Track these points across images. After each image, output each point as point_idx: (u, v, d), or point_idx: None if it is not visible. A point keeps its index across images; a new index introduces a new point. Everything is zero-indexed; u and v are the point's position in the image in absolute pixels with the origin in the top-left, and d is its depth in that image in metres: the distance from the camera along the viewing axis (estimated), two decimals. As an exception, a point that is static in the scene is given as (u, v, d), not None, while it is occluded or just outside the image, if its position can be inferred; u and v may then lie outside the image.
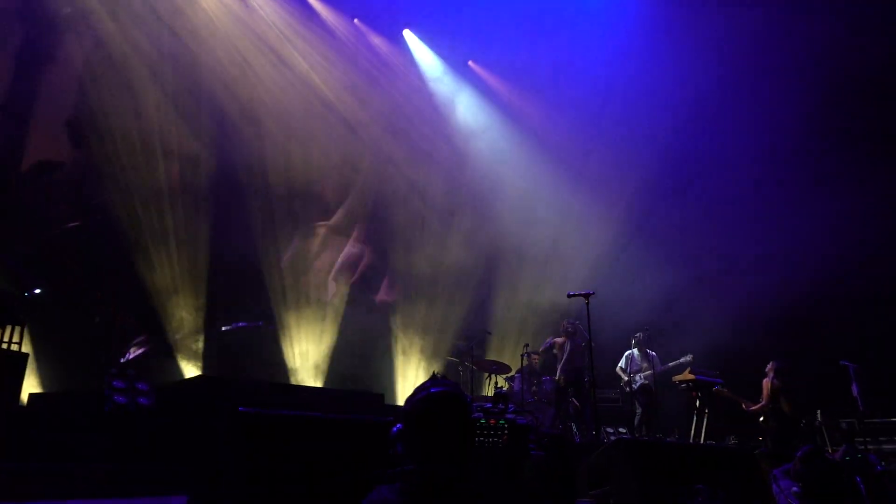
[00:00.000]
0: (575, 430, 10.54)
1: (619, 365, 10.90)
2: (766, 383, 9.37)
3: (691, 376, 10.53)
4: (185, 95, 10.84)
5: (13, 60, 9.55)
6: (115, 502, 4.37)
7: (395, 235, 13.91)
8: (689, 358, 10.44)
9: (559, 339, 10.77)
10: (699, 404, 10.61)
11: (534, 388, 11.01)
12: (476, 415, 1.70)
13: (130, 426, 5.99)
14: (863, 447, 9.52)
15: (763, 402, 9.24)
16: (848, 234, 11.77)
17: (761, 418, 9.56)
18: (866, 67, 11.30)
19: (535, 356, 11.36)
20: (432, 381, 1.96)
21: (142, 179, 10.15)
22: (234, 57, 11.63)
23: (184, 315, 10.29)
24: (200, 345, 10.42)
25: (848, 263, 11.87)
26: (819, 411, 10.78)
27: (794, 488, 3.45)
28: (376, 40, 13.86)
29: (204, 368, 10.22)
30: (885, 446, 9.94)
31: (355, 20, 13.55)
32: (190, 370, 10.13)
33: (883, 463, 5.24)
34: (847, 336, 11.55)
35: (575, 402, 10.68)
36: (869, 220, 11.72)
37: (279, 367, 11.29)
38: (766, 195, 12.43)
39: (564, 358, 10.57)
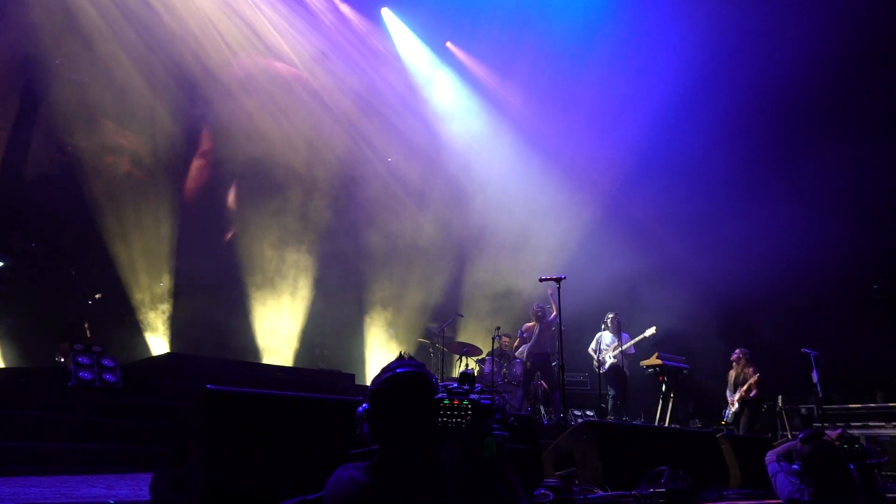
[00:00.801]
0: (543, 412, 10.67)
1: (591, 346, 11.03)
2: (755, 375, 9.62)
3: (658, 361, 10.71)
4: (151, 61, 10.54)
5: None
6: (80, 479, 4.31)
7: (367, 214, 13.84)
8: (653, 330, 10.55)
9: (530, 324, 10.91)
10: (665, 388, 10.82)
11: (504, 370, 11.11)
12: (440, 395, 1.71)
13: (96, 403, 5.91)
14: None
15: (756, 394, 9.52)
16: (808, 224, 12.05)
17: (735, 406, 9.82)
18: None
19: (506, 339, 11.45)
20: (398, 361, 1.95)
21: (102, 147, 9.89)
22: (206, 27, 11.37)
23: (151, 290, 10.13)
24: (168, 321, 10.27)
25: (809, 252, 12.14)
26: (780, 397, 11.09)
27: (795, 466, 3.68)
28: (354, 17, 13.66)
29: (172, 346, 10.10)
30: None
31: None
32: (158, 347, 10.01)
33: (879, 450, 5.27)
34: (809, 323, 11.85)
35: (543, 384, 10.81)
36: (830, 208, 12.00)
37: (249, 345, 11.21)
38: (729, 186, 12.60)
39: (532, 341, 10.69)
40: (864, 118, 11.79)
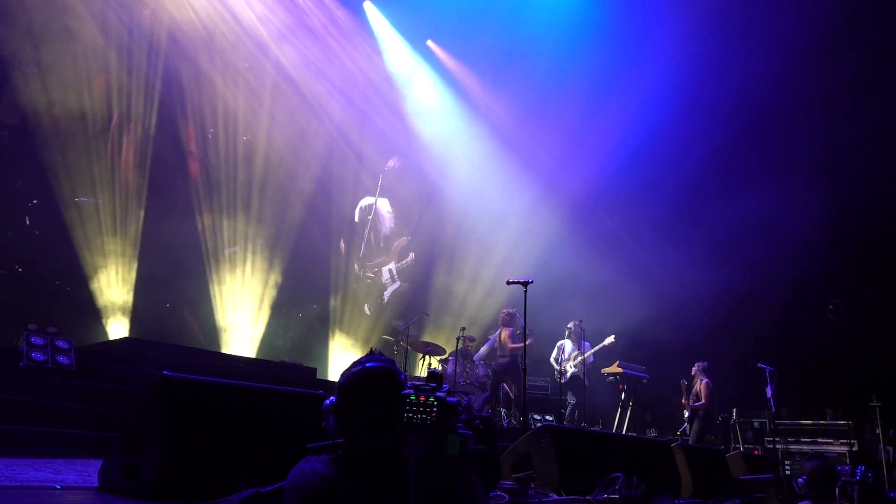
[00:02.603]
0: (504, 415, 10.72)
1: (552, 356, 11.10)
2: (705, 384, 9.80)
3: (619, 369, 10.86)
4: (130, 48, 10.31)
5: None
6: (26, 463, 4.19)
7: (342, 209, 13.77)
8: (612, 339, 10.68)
9: (499, 330, 10.88)
10: (624, 397, 10.97)
11: (467, 371, 11.13)
12: (406, 391, 1.71)
13: (47, 385, 5.75)
14: (771, 447, 10.09)
15: (704, 402, 9.70)
16: (769, 239, 12.39)
17: (686, 414, 10.02)
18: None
19: (470, 342, 11.46)
20: (369, 356, 1.97)
21: (76, 125, 9.61)
22: (188, 14, 11.16)
23: (112, 272, 9.89)
24: (129, 305, 10.04)
25: (769, 268, 12.47)
26: (735, 410, 11.33)
27: (801, 480, 4.49)
28: (336, 10, 13.54)
29: (131, 330, 9.88)
30: (792, 447, 10.53)
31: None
32: (116, 331, 9.78)
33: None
34: (764, 339, 12.15)
35: (507, 388, 10.85)
36: (789, 226, 12.33)
37: (211, 334, 11.04)
38: (694, 198, 12.82)
39: (501, 345, 10.68)
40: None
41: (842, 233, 12.16)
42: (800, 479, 4.47)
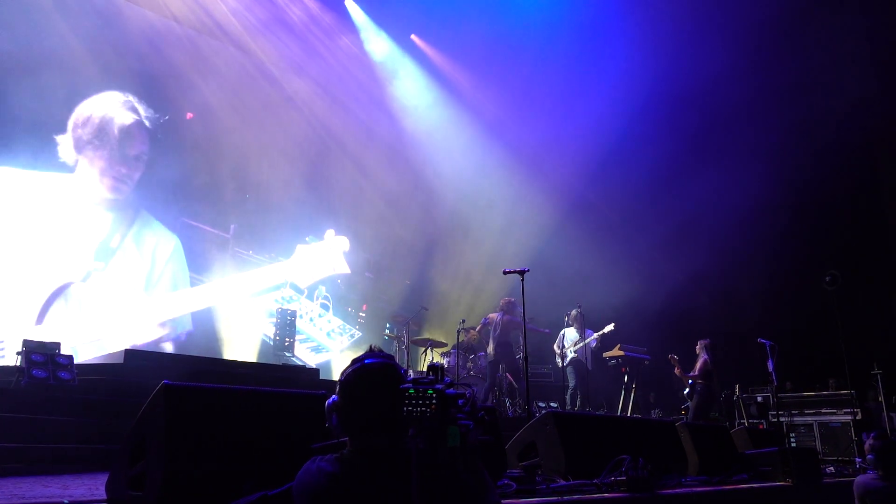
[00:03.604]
0: (508, 404, 10.75)
1: (555, 344, 11.15)
2: (702, 361, 9.84)
3: (621, 352, 10.90)
4: (105, 49, 10.20)
5: None
6: (33, 480, 4.19)
7: (333, 207, 13.73)
8: (611, 327, 10.73)
9: (494, 315, 10.90)
10: (627, 379, 11.01)
11: (469, 363, 11.15)
12: (404, 385, 1.72)
13: (51, 402, 5.73)
14: (775, 420, 10.14)
15: (695, 373, 9.76)
16: (761, 217, 12.43)
17: (686, 391, 10.06)
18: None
19: (472, 332, 11.48)
20: (368, 353, 1.98)
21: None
22: (163, 11, 11.08)
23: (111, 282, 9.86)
24: (129, 316, 10.01)
25: (765, 244, 12.53)
26: (737, 386, 11.38)
27: (869, 457, 5.05)
28: (316, 6, 13.47)
29: (130, 342, 9.85)
30: (796, 419, 10.59)
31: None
32: (116, 344, 9.75)
33: None
34: (765, 313, 12.20)
35: (509, 377, 10.87)
36: (783, 201, 12.38)
37: (211, 340, 11.01)
38: (688, 179, 12.87)
39: (497, 332, 10.70)
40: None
41: (833, 206, 12.26)
42: (868, 456, 5.07)
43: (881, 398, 10.10)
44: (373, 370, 1.91)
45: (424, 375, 1.75)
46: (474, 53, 13.94)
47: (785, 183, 12.32)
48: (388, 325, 13.53)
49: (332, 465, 1.82)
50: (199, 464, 2.96)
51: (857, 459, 8.65)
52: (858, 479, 5.18)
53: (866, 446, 5.24)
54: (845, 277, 10.38)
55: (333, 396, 1.93)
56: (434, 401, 1.64)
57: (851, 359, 10.56)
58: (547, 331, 11.08)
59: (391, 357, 1.99)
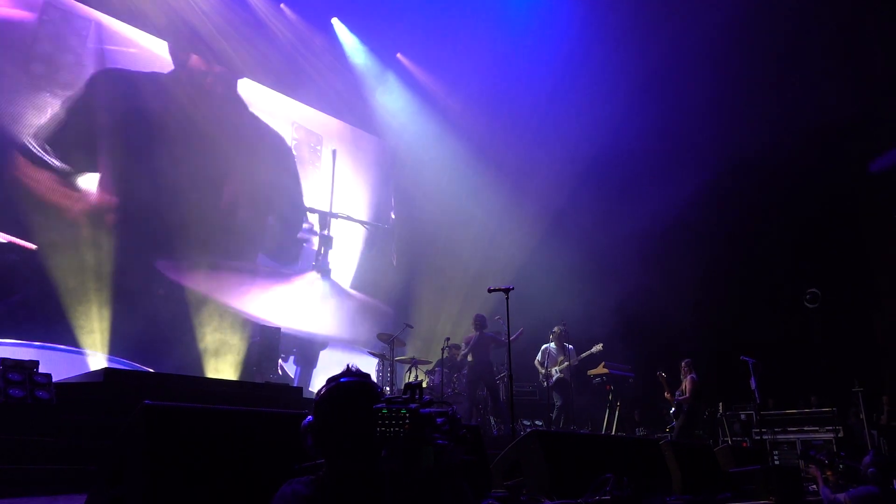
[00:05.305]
0: (493, 423, 10.70)
1: (537, 359, 11.12)
2: (690, 380, 9.87)
3: (605, 370, 10.91)
4: (73, 63, 10.17)
5: None
6: (11, 503, 4.10)
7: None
8: (599, 347, 10.75)
9: (472, 335, 10.87)
10: (611, 397, 11.01)
11: (453, 380, 11.11)
12: (378, 405, 1.70)
13: (29, 422, 5.62)
14: (759, 438, 10.18)
15: (688, 396, 9.76)
16: (743, 236, 12.57)
17: (672, 409, 10.08)
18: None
19: (456, 350, 11.44)
20: (345, 372, 1.95)
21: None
22: (147, 35, 11.10)
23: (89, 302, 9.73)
24: (107, 334, 9.88)
25: (747, 262, 12.65)
26: (721, 403, 11.43)
27: (871, 470, 5.22)
28: (303, 27, 13.56)
29: (109, 360, 9.71)
30: (779, 437, 10.63)
31: (282, 5, 13.21)
32: (95, 362, 9.60)
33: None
34: (747, 332, 12.29)
35: (489, 395, 10.81)
36: (765, 223, 12.53)
37: (192, 358, 10.88)
38: (667, 192, 13.00)
39: (473, 350, 10.68)
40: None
41: (813, 225, 12.43)
42: (870, 470, 5.27)
43: (862, 415, 10.17)
44: (348, 389, 1.88)
45: (401, 394, 1.73)
46: (458, 72, 14.09)
47: (767, 202, 12.50)
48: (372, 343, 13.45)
49: (307, 488, 1.79)
50: (179, 485, 2.92)
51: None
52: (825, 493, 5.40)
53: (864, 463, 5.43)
54: (826, 296, 10.50)
55: (309, 417, 1.90)
56: (408, 420, 1.61)
57: (833, 376, 10.66)
58: (520, 329, 10.67)
59: (367, 375, 1.96)
